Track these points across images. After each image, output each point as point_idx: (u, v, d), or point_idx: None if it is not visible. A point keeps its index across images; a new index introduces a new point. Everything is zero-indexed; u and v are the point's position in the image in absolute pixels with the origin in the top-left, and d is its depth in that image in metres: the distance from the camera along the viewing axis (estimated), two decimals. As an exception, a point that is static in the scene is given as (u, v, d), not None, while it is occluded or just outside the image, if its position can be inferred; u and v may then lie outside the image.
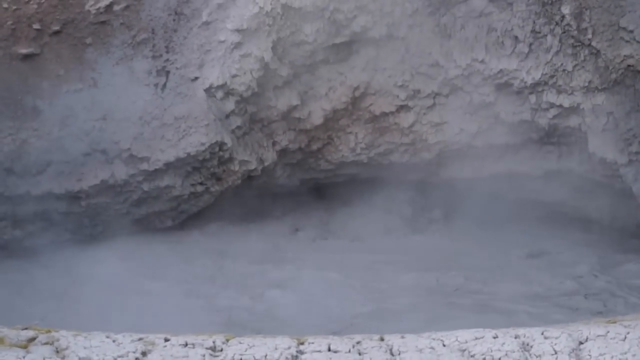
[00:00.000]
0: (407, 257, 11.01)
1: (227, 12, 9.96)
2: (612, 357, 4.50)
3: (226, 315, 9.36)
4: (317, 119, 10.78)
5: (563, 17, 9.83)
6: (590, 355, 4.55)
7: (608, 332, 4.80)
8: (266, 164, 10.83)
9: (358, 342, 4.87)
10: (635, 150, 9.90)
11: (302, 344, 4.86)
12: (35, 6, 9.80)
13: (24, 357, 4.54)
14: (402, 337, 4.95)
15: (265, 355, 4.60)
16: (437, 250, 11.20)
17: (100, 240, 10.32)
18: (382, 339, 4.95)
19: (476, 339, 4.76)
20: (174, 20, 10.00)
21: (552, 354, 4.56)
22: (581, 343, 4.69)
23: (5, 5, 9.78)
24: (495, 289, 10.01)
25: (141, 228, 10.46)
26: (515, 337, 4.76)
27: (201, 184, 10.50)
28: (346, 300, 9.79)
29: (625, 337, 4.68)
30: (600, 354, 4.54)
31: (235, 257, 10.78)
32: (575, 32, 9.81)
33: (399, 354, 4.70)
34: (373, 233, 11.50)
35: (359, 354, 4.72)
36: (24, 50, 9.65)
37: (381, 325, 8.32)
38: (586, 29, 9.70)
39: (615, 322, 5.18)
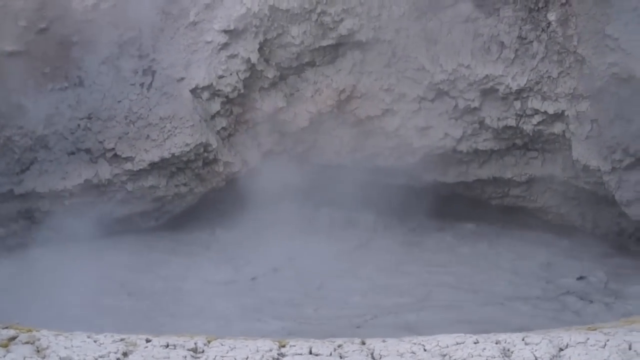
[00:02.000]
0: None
1: (214, 12, 10.01)
2: None
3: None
4: (303, 122, 10.77)
5: (549, 23, 9.86)
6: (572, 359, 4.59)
7: (588, 339, 4.82)
8: (250, 166, 10.85)
9: (339, 346, 4.91)
10: (619, 158, 9.88)
11: (283, 346, 4.89)
12: (22, 3, 9.72)
13: (4, 357, 4.57)
14: (384, 341, 4.97)
15: (247, 358, 4.63)
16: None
17: (81, 240, 10.12)
18: (363, 343, 4.98)
19: (457, 344, 4.79)
20: (161, 19, 10.02)
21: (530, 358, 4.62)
22: (561, 349, 4.71)
23: None
24: (482, 289, 9.98)
25: (124, 228, 10.50)
26: (496, 343, 4.79)
27: (185, 184, 10.53)
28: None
29: (605, 345, 4.71)
30: (584, 359, 4.57)
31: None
32: (561, 39, 9.84)
33: (380, 358, 4.72)
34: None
35: (340, 357, 4.75)
36: (9, 48, 9.60)
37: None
38: (572, 36, 9.73)
39: (595, 329, 5.24)
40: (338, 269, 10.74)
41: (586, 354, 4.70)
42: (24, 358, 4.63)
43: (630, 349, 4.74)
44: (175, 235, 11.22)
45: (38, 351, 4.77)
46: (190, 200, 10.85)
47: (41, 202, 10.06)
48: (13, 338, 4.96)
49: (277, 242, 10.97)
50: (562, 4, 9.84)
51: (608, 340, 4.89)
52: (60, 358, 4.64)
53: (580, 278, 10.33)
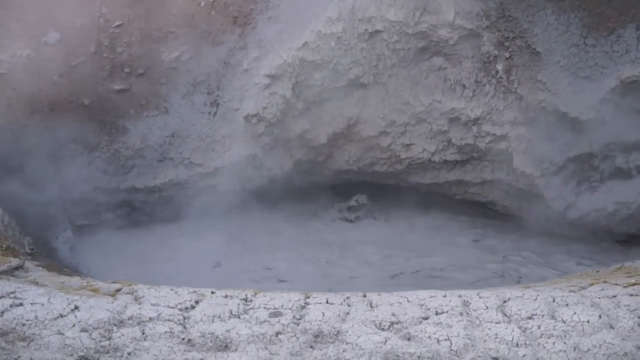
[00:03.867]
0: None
1: (261, 62, 10.09)
2: (526, 311, 4.71)
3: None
4: (322, 139, 10.83)
5: (497, 72, 10.09)
6: (511, 310, 4.75)
7: (524, 294, 5.05)
8: (285, 169, 11.01)
9: (347, 297, 5.07)
10: (546, 167, 10.16)
11: (308, 297, 5.03)
12: (127, 56, 10.16)
13: (112, 303, 4.83)
14: (379, 295, 5.14)
15: (282, 305, 4.81)
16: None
17: (167, 221, 10.57)
18: (364, 296, 5.14)
19: (431, 297, 4.99)
20: (223, 67, 10.19)
21: (485, 309, 4.77)
22: (505, 301, 4.92)
23: (105, 54, 10.09)
24: (444, 261, 10.21)
25: (196, 213, 10.49)
26: (459, 297, 4.98)
27: (238, 184, 10.52)
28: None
29: (536, 298, 4.93)
30: (519, 309, 4.74)
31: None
32: (506, 83, 10.07)
33: (377, 306, 4.92)
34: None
35: (348, 305, 4.92)
36: (117, 87, 9.99)
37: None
38: (513, 80, 9.99)
39: (529, 287, 5.55)
40: (353, 235, 11.02)
41: (522, 304, 4.90)
42: (126, 304, 4.81)
43: (554, 301, 4.97)
44: (244, 215, 11.02)
45: (136, 299, 4.98)
46: (242, 194, 10.69)
47: (138, 195, 10.44)
48: (118, 290, 5.20)
49: (310, 219, 11.36)
50: (507, 58, 10.02)
51: (538, 295, 5.08)
52: (151, 304, 4.84)
53: (519, 253, 10.48)
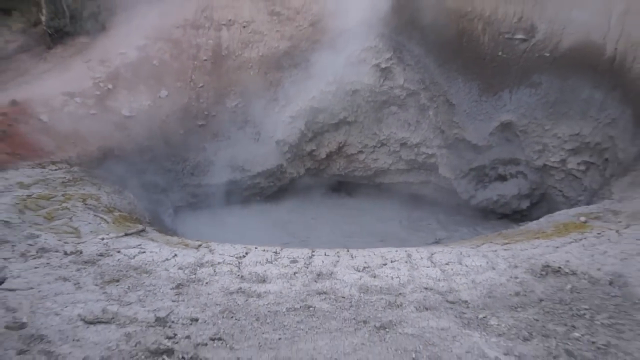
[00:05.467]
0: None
1: (285, 108, 11.16)
2: (445, 260, 4.74)
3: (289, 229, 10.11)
4: (323, 155, 11.90)
5: (429, 115, 11.28)
6: (436, 259, 4.80)
7: (444, 249, 5.10)
8: (300, 174, 11.83)
9: (337, 252, 5.05)
10: (458, 173, 11.16)
11: (313, 252, 5.00)
12: (205, 105, 10.76)
13: (196, 252, 4.89)
14: (356, 250, 5.01)
15: (297, 256, 4.84)
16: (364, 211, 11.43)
17: (227, 205, 10.80)
18: (348, 251, 5.10)
19: (388, 251, 4.99)
20: (263, 111, 11.13)
21: (420, 259, 4.72)
22: (432, 254, 4.92)
23: (193, 103, 10.45)
24: (394, 228, 10.93)
25: (245, 200, 11.24)
26: (405, 251, 5.04)
27: (272, 181, 11.49)
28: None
29: (451, 252, 4.97)
30: (440, 259, 4.77)
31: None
32: (434, 122, 11.21)
33: (355, 257, 4.89)
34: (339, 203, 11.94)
35: (338, 256, 4.91)
36: (199, 123, 10.82)
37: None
38: (439, 121, 11.13)
39: (447, 246, 5.64)
40: (340, 212, 11.18)
41: (442, 255, 4.80)
42: (204, 253, 4.83)
43: (461, 254, 4.87)
44: (274, 201, 11.48)
45: (210, 251, 5.02)
46: (274, 188, 11.58)
47: (211, 188, 10.81)
48: (200, 245, 5.29)
49: (308, 208, 11.54)
50: (434, 108, 11.05)
51: (452, 250, 4.92)
52: (219, 254, 4.83)
53: (444, 227, 10.90)
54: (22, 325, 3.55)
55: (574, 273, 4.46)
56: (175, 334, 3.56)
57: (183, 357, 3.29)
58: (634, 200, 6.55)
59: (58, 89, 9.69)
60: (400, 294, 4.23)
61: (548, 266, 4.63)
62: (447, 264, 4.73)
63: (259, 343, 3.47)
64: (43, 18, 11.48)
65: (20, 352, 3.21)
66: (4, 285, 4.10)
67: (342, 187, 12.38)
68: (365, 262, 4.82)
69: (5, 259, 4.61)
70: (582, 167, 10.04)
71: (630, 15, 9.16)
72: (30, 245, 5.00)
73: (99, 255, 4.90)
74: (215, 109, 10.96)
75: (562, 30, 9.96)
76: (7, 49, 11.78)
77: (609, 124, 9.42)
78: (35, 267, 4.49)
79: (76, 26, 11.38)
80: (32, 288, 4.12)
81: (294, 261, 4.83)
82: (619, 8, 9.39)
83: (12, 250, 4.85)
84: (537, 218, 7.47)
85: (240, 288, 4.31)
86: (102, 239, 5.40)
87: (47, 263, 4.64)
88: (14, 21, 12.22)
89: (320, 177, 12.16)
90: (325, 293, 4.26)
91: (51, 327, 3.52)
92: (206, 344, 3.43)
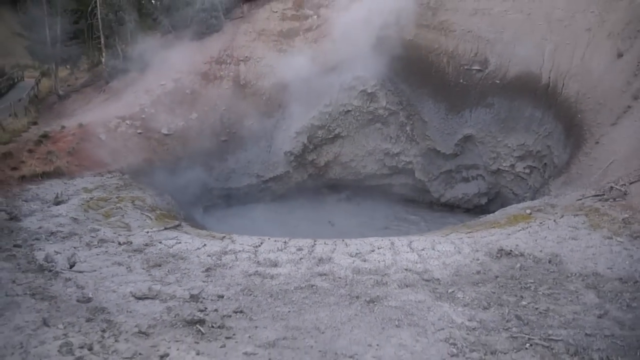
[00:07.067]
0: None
1: (291, 126, 11.19)
2: (421, 246, 4.79)
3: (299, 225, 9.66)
4: (322, 163, 11.98)
5: (407, 131, 11.24)
6: (414, 246, 4.81)
7: (420, 238, 5.23)
8: (304, 178, 11.85)
9: (335, 242, 5.14)
10: (430, 176, 11.27)
11: (315, 241, 5.11)
12: (228, 124, 10.45)
13: (221, 242, 5.01)
14: (350, 239, 5.07)
15: (302, 245, 4.96)
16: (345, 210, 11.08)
17: (245, 204, 10.91)
18: (343, 240, 5.21)
19: (376, 240, 5.08)
20: (273, 128, 11.23)
21: (401, 245, 4.85)
22: (411, 242, 5.01)
23: (218, 123, 10.14)
24: (380, 221, 10.63)
25: (259, 200, 11.17)
26: (389, 240, 5.19)
27: (280, 185, 11.53)
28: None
29: (426, 240, 5.07)
30: (417, 245, 4.84)
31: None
32: (411, 136, 11.35)
33: (349, 245, 4.97)
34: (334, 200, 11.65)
35: (335, 245, 5.03)
36: (223, 139, 10.63)
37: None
38: (414, 135, 11.23)
39: (422, 235, 5.69)
40: (336, 209, 10.81)
41: (419, 243, 4.84)
42: (228, 243, 4.93)
43: (434, 241, 4.98)
44: (283, 201, 11.15)
45: (232, 241, 5.15)
46: (282, 190, 11.56)
47: (232, 191, 10.97)
48: (224, 237, 5.46)
49: (310, 206, 11.11)
50: (411, 124, 11.02)
51: (426, 239, 4.86)
52: (239, 244, 4.93)
53: (423, 219, 10.38)
54: (89, 300, 3.78)
55: (522, 254, 4.68)
56: (206, 308, 3.72)
57: (212, 326, 3.44)
58: (567, 196, 6.63)
59: (113, 113, 10.15)
60: (385, 274, 4.20)
61: (502, 250, 4.65)
62: (423, 249, 4.73)
63: (273, 315, 3.67)
64: (103, 59, 12.42)
65: (88, 320, 3.41)
66: (74, 268, 4.28)
67: (338, 188, 12.34)
68: (357, 249, 4.80)
69: (75, 247, 4.84)
70: (527, 170, 10.16)
71: (558, 52, 9.64)
72: (93, 237, 5.28)
73: (145, 245, 5.19)
74: (235, 127, 11.21)
75: (509, 63, 10.44)
76: (76, 84, 13.01)
77: (546, 136, 9.63)
78: (97, 254, 4.69)
79: (128, 65, 12.00)
80: (95, 270, 4.31)
81: (300, 249, 4.85)
82: (550, 46, 9.80)
83: (79, 240, 5.14)
84: (493, 211, 7.49)
85: (257, 271, 4.29)
86: (147, 232, 5.69)
87: (106, 251, 4.85)
88: (82, 62, 13.73)
89: (320, 181, 12.27)
90: (325, 274, 4.22)
91: (110, 301, 3.73)
92: (230, 316, 3.64)
